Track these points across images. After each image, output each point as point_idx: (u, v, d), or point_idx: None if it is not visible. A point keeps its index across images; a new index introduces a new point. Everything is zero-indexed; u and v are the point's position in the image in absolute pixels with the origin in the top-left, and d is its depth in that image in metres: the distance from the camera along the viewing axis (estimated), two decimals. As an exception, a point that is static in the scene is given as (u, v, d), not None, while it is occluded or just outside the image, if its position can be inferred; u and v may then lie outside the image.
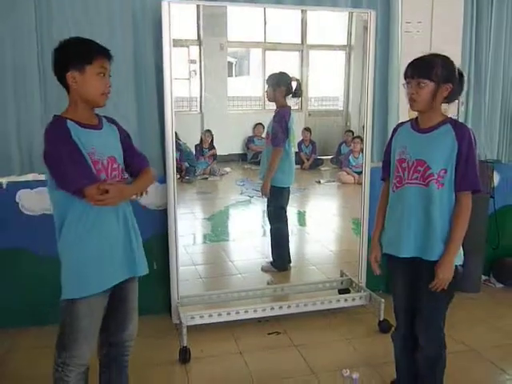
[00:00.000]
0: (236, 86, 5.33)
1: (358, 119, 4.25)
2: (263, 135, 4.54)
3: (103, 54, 1.83)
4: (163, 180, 3.02)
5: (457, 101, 2.11)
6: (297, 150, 4.38)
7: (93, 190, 1.75)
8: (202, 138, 4.65)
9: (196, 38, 4.60)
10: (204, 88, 4.70)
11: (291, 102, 3.72)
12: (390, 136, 2.27)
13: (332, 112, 5.23)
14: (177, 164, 2.99)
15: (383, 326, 3.10)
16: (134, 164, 2.00)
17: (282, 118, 3.61)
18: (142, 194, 2.02)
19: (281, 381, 2.62)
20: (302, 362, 2.78)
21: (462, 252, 2.07)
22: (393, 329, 2.38)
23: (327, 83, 5.04)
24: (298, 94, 3.71)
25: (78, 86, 1.80)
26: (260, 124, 4.85)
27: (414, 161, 2.03)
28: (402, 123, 2.21)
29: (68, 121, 1.80)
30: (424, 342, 2.14)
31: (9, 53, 2.79)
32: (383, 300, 3.12)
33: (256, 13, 4.30)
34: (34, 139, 2.90)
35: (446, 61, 2.00)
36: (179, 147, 3.99)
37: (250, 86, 5.55)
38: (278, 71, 3.80)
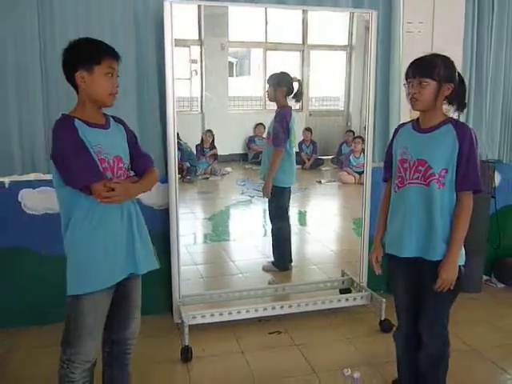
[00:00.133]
0: (237, 86, 5.34)
1: (359, 119, 4.26)
2: (264, 135, 4.54)
3: (111, 54, 1.85)
4: (165, 180, 3.03)
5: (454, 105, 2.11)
6: (297, 150, 4.38)
7: (99, 187, 1.78)
8: (202, 138, 4.66)
9: (197, 38, 4.61)
10: (205, 88, 4.71)
11: (292, 102, 3.73)
12: (391, 136, 2.27)
13: (333, 112, 5.23)
14: (178, 164, 2.99)
15: (384, 326, 3.10)
16: (140, 164, 2.02)
17: (283, 118, 3.61)
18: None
19: (282, 380, 2.63)
20: (303, 362, 2.79)
21: (464, 252, 2.07)
22: (394, 328, 2.38)
23: (328, 83, 5.05)
24: (298, 95, 3.71)
25: (87, 86, 1.83)
26: (261, 124, 4.86)
27: (415, 161, 2.04)
28: (403, 124, 2.21)
29: (75, 120, 1.83)
30: (428, 340, 2.15)
31: (11, 52, 2.79)
32: (384, 300, 3.12)
33: (257, 13, 4.31)
34: (36, 139, 2.91)
35: (446, 61, 2.01)
36: (180, 147, 3.99)
37: (250, 86, 5.56)
38: (278, 71, 3.81)
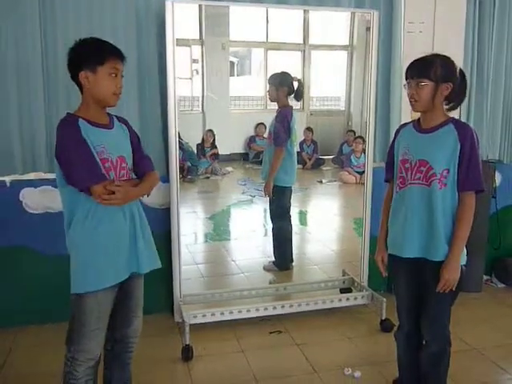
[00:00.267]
0: (238, 86, 5.34)
1: (360, 119, 4.26)
2: (265, 135, 4.54)
3: (116, 54, 1.86)
4: (166, 179, 3.03)
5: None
6: (298, 150, 4.38)
7: (99, 189, 1.80)
8: (203, 138, 4.66)
9: (198, 38, 4.61)
10: (206, 87, 4.71)
11: (293, 101, 3.73)
12: (392, 137, 2.28)
13: (334, 112, 5.23)
14: (179, 163, 3.00)
15: (385, 326, 3.11)
16: (140, 166, 2.03)
17: (284, 117, 3.62)
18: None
19: (282, 379, 2.63)
20: (304, 361, 2.79)
21: (466, 252, 2.08)
22: (395, 328, 2.38)
23: (329, 83, 5.05)
24: (299, 95, 3.72)
25: (90, 86, 1.84)
26: (262, 124, 4.86)
27: (416, 161, 2.04)
28: (405, 124, 2.22)
29: (80, 119, 1.84)
30: (429, 339, 2.15)
31: (12, 52, 2.80)
32: (385, 299, 3.13)
33: (258, 12, 4.30)
34: (37, 138, 2.91)
35: (445, 60, 2.01)
36: (181, 146, 4.00)
37: (251, 86, 5.56)
38: (279, 71, 3.81)
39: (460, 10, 3.45)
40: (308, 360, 2.80)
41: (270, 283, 3.62)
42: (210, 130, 4.65)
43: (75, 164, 1.79)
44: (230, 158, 4.95)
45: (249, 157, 4.97)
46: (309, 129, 4.95)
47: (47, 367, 2.62)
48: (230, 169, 4.89)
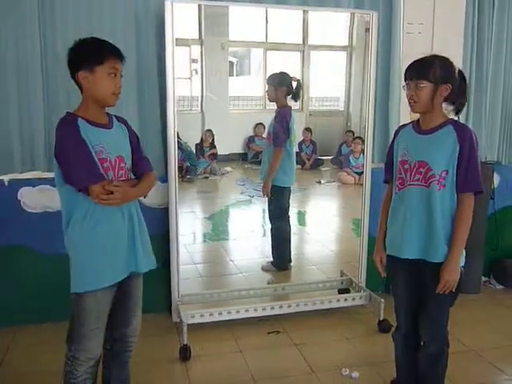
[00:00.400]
0: (237, 86, 5.34)
1: (359, 120, 4.26)
2: (264, 135, 4.55)
3: (115, 54, 1.86)
4: (164, 179, 3.03)
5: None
6: (297, 150, 4.39)
7: (97, 189, 1.80)
8: (202, 138, 4.66)
9: (197, 38, 4.61)
10: (205, 87, 4.71)
11: (291, 101, 3.73)
12: (391, 137, 2.28)
13: (333, 112, 5.23)
14: (178, 163, 3.00)
15: (383, 326, 3.11)
16: (139, 166, 2.04)
17: (283, 118, 3.62)
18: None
19: (280, 379, 2.63)
20: (302, 361, 2.79)
21: (465, 253, 2.08)
22: (393, 328, 2.39)
23: (328, 84, 5.05)
24: (297, 95, 3.72)
25: (89, 86, 1.85)
26: (261, 124, 4.86)
27: (415, 162, 2.04)
28: (404, 125, 2.22)
29: (79, 118, 1.84)
30: (428, 339, 2.16)
31: (12, 51, 2.79)
32: (383, 300, 3.13)
33: (257, 13, 4.30)
34: (36, 137, 2.91)
35: (444, 61, 2.01)
36: (180, 146, 4.00)
37: (250, 86, 5.56)
38: (278, 71, 3.81)
39: (459, 11, 3.46)
40: (306, 360, 2.80)
41: (269, 283, 3.62)
42: (209, 130, 4.65)
43: (74, 163, 1.80)
44: (229, 158, 4.95)
45: (248, 157, 4.97)
46: (308, 129, 4.95)
47: (46, 366, 2.62)
48: (228, 169, 4.90)
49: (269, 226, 3.89)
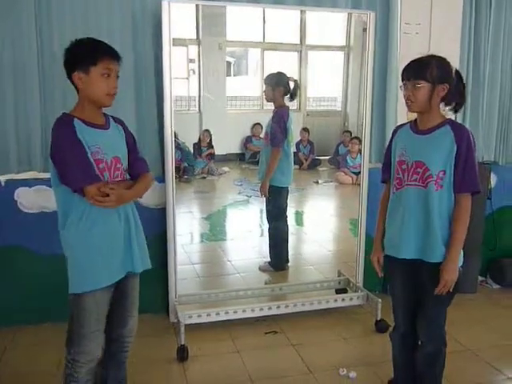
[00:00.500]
0: (234, 86, 5.34)
1: (356, 120, 4.27)
2: (261, 135, 4.54)
3: (109, 55, 1.85)
4: (162, 179, 3.03)
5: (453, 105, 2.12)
6: (295, 150, 4.39)
7: (92, 190, 1.80)
8: (200, 138, 4.66)
9: (195, 38, 4.61)
10: (203, 87, 4.71)
11: (289, 102, 3.73)
12: (388, 137, 2.28)
13: (330, 112, 5.24)
14: (176, 163, 2.99)
15: (380, 326, 3.11)
16: (135, 167, 2.03)
17: (280, 118, 3.62)
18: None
19: (278, 380, 2.63)
20: (299, 361, 2.79)
21: (462, 253, 2.08)
22: (391, 328, 2.39)
23: (326, 84, 5.05)
24: (295, 95, 3.72)
25: (84, 86, 1.84)
26: (258, 124, 4.86)
27: (413, 162, 2.04)
28: (402, 125, 2.22)
29: (75, 119, 1.84)
30: (425, 339, 2.16)
31: (8, 52, 2.78)
32: (380, 300, 3.13)
33: (255, 13, 4.30)
34: (32, 137, 2.90)
35: (441, 61, 2.01)
36: (179, 146, 4.00)
37: (248, 86, 5.56)
38: (275, 71, 3.81)
39: (456, 11, 3.46)
40: (303, 360, 2.80)
41: (266, 283, 3.62)
42: (207, 130, 4.65)
43: (69, 164, 1.79)
44: (227, 158, 4.95)
45: (245, 157, 4.97)
46: (305, 129, 4.96)
47: (44, 366, 2.62)
48: (226, 169, 4.90)
49: (266, 226, 3.89)
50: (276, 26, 4.86)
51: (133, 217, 1.99)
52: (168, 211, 2.99)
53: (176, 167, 3.02)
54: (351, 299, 3.28)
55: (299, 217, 4.69)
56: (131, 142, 2.04)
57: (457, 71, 2.07)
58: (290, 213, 4.09)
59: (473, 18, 3.57)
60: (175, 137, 2.98)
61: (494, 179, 3.91)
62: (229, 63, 5.25)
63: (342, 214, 4.88)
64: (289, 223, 3.90)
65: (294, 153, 3.95)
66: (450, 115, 2.15)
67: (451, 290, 2.03)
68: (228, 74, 5.14)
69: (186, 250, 3.91)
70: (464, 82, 2.13)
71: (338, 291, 3.49)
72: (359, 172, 3.44)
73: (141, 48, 3.01)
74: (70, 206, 1.85)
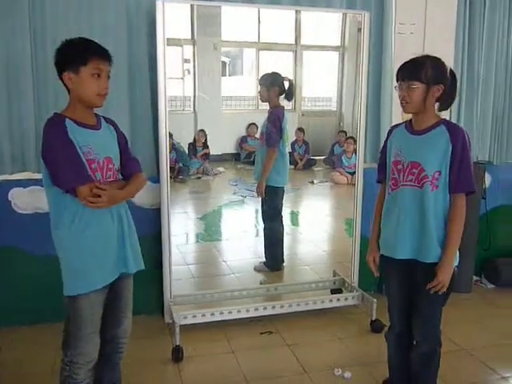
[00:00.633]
0: (229, 86, 5.33)
1: (351, 120, 4.26)
2: (256, 135, 4.55)
3: (99, 55, 1.84)
4: (156, 179, 3.02)
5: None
6: (290, 151, 4.39)
7: (85, 190, 1.79)
8: (195, 138, 4.65)
9: (190, 38, 4.60)
10: (198, 87, 4.70)
11: (284, 101, 3.73)
12: (383, 137, 2.28)
13: (325, 112, 5.24)
14: (171, 163, 2.98)
15: (375, 326, 3.11)
16: (127, 167, 2.02)
17: (275, 118, 3.62)
18: None
19: (273, 380, 2.63)
20: (295, 362, 2.79)
21: (458, 253, 2.08)
22: (386, 328, 2.39)
23: (321, 84, 5.05)
24: (290, 95, 3.72)
25: (74, 87, 1.83)
26: (253, 124, 4.85)
27: (408, 163, 2.05)
28: (397, 125, 2.22)
29: (66, 119, 1.83)
30: (420, 339, 2.17)
31: (2, 52, 2.77)
32: (375, 300, 3.14)
33: (250, 13, 4.30)
34: (26, 138, 2.89)
35: (436, 62, 2.01)
36: (174, 146, 3.99)
37: (243, 86, 5.55)
38: (270, 71, 3.81)
39: (451, 11, 3.47)
40: (298, 360, 2.80)
41: (261, 284, 3.62)
42: (202, 130, 4.64)
43: (61, 164, 1.78)
44: (222, 159, 4.94)
45: (240, 157, 4.97)
46: (300, 129, 4.95)
47: (40, 367, 2.61)
48: (221, 169, 4.89)
49: (261, 226, 3.89)
50: (271, 26, 4.85)
51: (126, 217, 1.98)
52: (163, 211, 2.98)
53: (171, 167, 3.01)
54: (346, 299, 3.28)
55: (294, 217, 4.69)
56: (123, 143, 2.03)
57: (451, 71, 2.07)
58: (286, 213, 4.10)
59: (467, 18, 3.58)
60: (170, 137, 2.97)
61: (488, 179, 3.93)
62: (224, 63, 5.24)
63: (337, 214, 4.89)
64: (284, 223, 3.90)
65: (289, 153, 3.95)
66: (444, 115, 2.16)
67: (445, 290, 2.04)
68: (223, 74, 5.13)
69: (180, 251, 3.90)
70: (458, 81, 2.13)
71: (333, 291, 3.49)
72: (354, 172, 3.45)
73: (135, 48, 3.00)
74: (63, 207, 1.84)
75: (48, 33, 2.80)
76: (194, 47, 4.64)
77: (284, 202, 3.85)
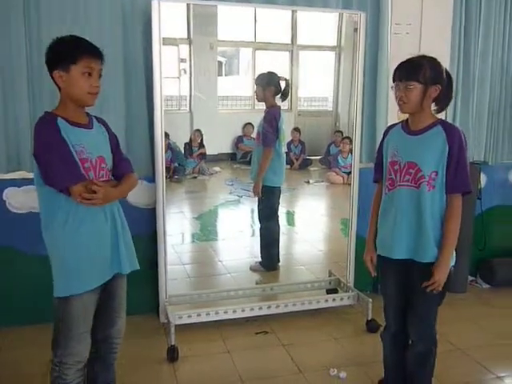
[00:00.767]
0: (226, 86, 5.32)
1: (348, 120, 4.27)
2: (252, 135, 4.54)
3: (90, 53, 1.82)
4: (152, 179, 3.01)
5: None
6: (286, 150, 4.39)
7: (78, 188, 1.77)
8: (191, 137, 4.64)
9: (186, 37, 4.59)
10: (194, 87, 4.69)
11: (280, 101, 3.73)
12: (379, 137, 2.28)
13: (321, 112, 5.24)
14: (167, 163, 2.98)
15: (371, 326, 3.11)
16: (119, 168, 2.01)
17: (272, 117, 3.61)
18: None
19: (268, 380, 2.62)
20: (290, 362, 2.79)
21: (455, 253, 2.09)
22: (381, 328, 2.39)
23: (317, 83, 5.05)
24: (286, 94, 3.71)
25: (65, 85, 1.82)
26: (249, 124, 4.85)
27: (405, 163, 2.05)
28: (393, 125, 2.22)
29: (58, 118, 1.81)
30: (416, 338, 2.17)
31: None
32: (371, 300, 3.14)
33: (246, 12, 4.29)
34: (21, 137, 2.88)
35: (433, 62, 2.02)
36: (169, 146, 3.98)
37: (239, 86, 5.55)
38: (266, 71, 3.81)
39: (447, 11, 3.47)
40: (294, 360, 2.79)
41: (257, 283, 3.61)
42: (198, 130, 4.63)
43: (54, 163, 1.76)
44: (218, 158, 4.94)
45: (236, 157, 4.96)
46: (296, 129, 4.95)
47: (36, 367, 2.59)
48: (217, 169, 4.88)
49: (257, 225, 3.88)
50: (267, 26, 4.85)
51: (119, 216, 1.97)
52: (158, 211, 2.98)
53: (166, 167, 3.00)
54: (342, 299, 3.28)
55: (290, 217, 4.68)
56: (115, 143, 2.01)
57: (446, 71, 2.07)
58: (281, 213, 4.09)
59: (463, 19, 3.58)
60: (166, 136, 2.96)
61: (483, 179, 3.94)
62: (220, 63, 5.23)
63: (332, 213, 4.89)
64: (280, 223, 3.90)
65: (285, 153, 3.95)
66: (440, 115, 2.16)
67: (441, 289, 2.04)
68: (219, 74, 5.12)
69: (176, 250, 3.89)
70: (454, 82, 2.14)
71: (329, 291, 3.49)
72: (350, 172, 3.45)
73: (131, 47, 2.99)
74: (56, 206, 1.82)
75: (43, 32, 2.78)
76: (190, 47, 4.63)
77: (280, 201, 3.85)
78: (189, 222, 4.61)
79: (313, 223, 4.71)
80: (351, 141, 3.40)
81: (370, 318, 3.14)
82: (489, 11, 3.64)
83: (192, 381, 2.63)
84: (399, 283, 2.17)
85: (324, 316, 3.29)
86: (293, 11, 3.97)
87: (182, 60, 4.67)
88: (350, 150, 3.49)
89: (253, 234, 4.26)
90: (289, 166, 4.71)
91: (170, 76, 4.49)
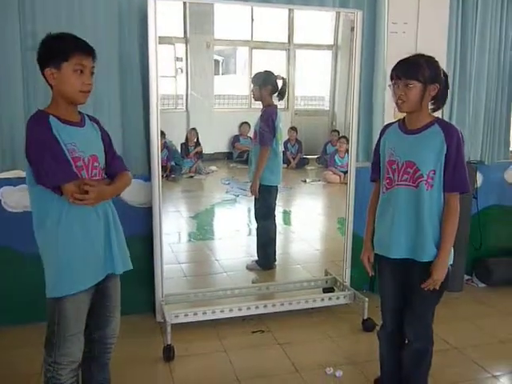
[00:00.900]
0: (222, 85, 5.32)
1: (344, 119, 4.27)
2: (249, 134, 4.54)
3: (82, 50, 1.80)
4: (148, 178, 3.00)
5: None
6: (283, 149, 4.39)
7: (71, 187, 1.75)
8: (187, 137, 4.64)
9: (182, 36, 4.58)
10: (190, 86, 4.68)
11: (277, 100, 3.72)
12: (376, 137, 2.28)
13: (318, 111, 5.24)
14: (163, 162, 2.97)
15: (367, 325, 3.12)
16: (112, 166, 1.99)
17: (269, 117, 3.61)
18: None
19: (265, 379, 2.62)
20: (286, 360, 2.78)
21: (453, 252, 2.09)
22: (378, 327, 2.39)
23: (314, 83, 5.06)
24: (283, 93, 3.71)
25: (56, 83, 1.80)
26: (246, 123, 4.85)
27: (403, 162, 2.04)
28: (390, 124, 2.21)
29: (50, 116, 1.80)
30: (413, 337, 2.17)
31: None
32: (367, 299, 3.14)
33: (243, 11, 4.29)
34: (16, 136, 2.85)
35: (431, 61, 2.01)
36: (166, 145, 3.98)
37: (236, 85, 5.54)
38: (263, 70, 3.80)
39: (443, 10, 3.48)
40: (290, 359, 2.79)
41: (253, 282, 3.61)
42: (194, 129, 4.63)
43: (46, 162, 1.74)
44: (214, 157, 4.94)
45: (233, 156, 4.96)
46: (293, 128, 4.95)
47: (31, 368, 2.58)
48: (213, 168, 4.88)
49: (254, 225, 3.88)
50: (264, 25, 4.84)
51: (112, 215, 1.95)
52: (154, 210, 2.97)
53: (163, 166, 3.00)
54: (338, 298, 3.28)
55: (287, 216, 4.68)
56: (107, 141, 1.99)
57: (442, 70, 2.07)
58: (278, 212, 4.09)
59: (459, 17, 3.59)
60: (162, 135, 2.95)
61: (480, 178, 3.94)
62: (217, 62, 5.23)
63: (329, 213, 4.89)
64: (276, 222, 3.89)
65: (282, 152, 3.95)
66: (437, 114, 2.16)
67: (438, 288, 2.04)
68: (216, 73, 5.12)
69: (173, 250, 3.88)
70: (450, 80, 2.14)
71: (325, 290, 3.49)
72: (347, 171, 3.45)
73: (127, 46, 2.98)
74: (49, 205, 1.81)
75: (38, 31, 2.76)
76: (186, 45, 4.62)
77: (277, 201, 3.85)
78: (185, 221, 4.60)
79: (309, 222, 4.71)
80: (348, 140, 3.40)
81: (366, 317, 3.14)
82: (485, 10, 3.65)
83: (188, 380, 2.63)
84: (397, 282, 2.17)
85: (320, 315, 3.29)
86: (290, 10, 3.96)
87: (178, 59, 4.66)
88: (347, 150, 3.49)
89: (249, 233, 4.26)
90: (285, 165, 4.71)
91: (166, 75, 4.48)
